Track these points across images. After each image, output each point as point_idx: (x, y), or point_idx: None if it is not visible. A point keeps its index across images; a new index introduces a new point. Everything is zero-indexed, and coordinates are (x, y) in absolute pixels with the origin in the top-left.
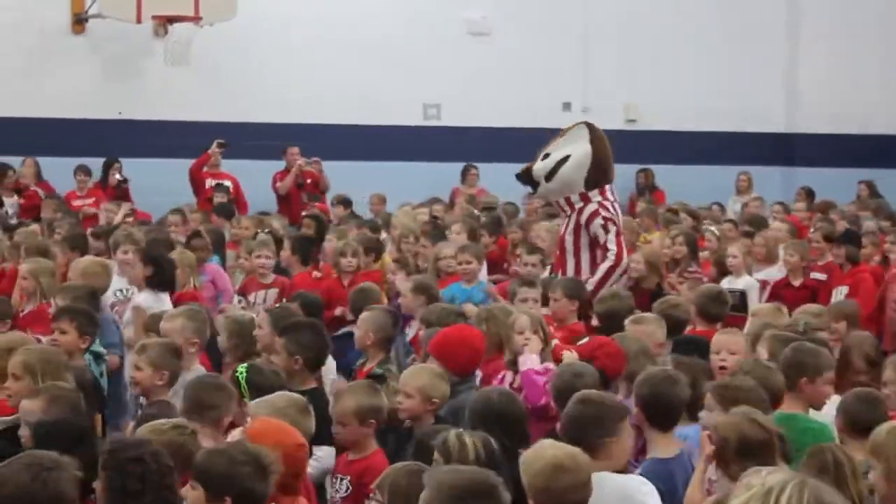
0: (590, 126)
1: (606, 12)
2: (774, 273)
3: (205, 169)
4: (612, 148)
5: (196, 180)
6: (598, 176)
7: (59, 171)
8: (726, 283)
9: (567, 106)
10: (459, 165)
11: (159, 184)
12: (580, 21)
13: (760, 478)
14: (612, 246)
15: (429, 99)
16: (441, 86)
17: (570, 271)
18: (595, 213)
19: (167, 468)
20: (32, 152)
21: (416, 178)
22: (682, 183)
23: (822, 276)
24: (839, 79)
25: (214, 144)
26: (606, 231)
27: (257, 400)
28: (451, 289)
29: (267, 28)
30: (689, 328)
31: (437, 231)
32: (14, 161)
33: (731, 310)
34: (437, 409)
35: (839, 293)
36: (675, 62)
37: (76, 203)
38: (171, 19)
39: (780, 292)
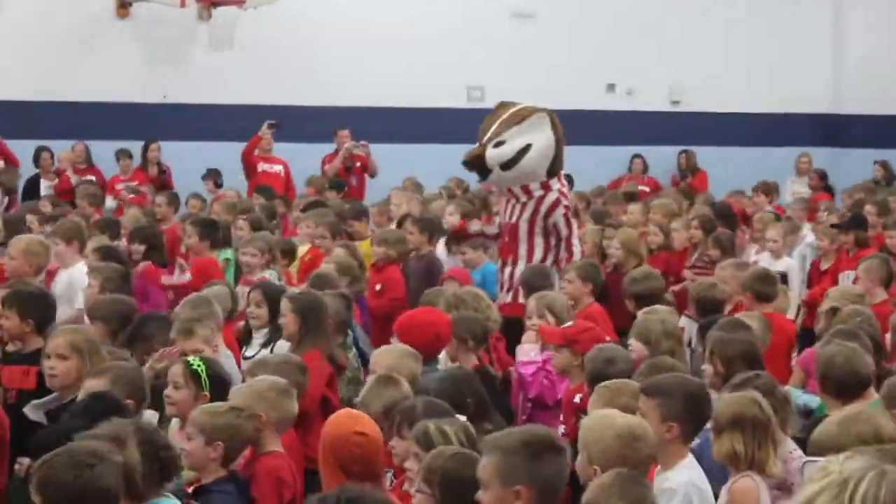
0: (550, 114)
1: None
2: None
3: (256, 152)
4: (657, 129)
5: (247, 163)
6: (557, 164)
7: (105, 155)
8: (765, 266)
9: (611, 87)
10: None
11: (202, 167)
12: (624, 2)
13: (838, 463)
14: (575, 243)
15: (473, 81)
16: (485, 68)
17: (522, 257)
18: (556, 203)
19: (155, 431)
20: (78, 136)
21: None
22: (724, 165)
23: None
24: (886, 58)
25: (265, 126)
26: (569, 226)
27: (237, 386)
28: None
29: (310, 11)
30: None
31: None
32: (61, 145)
33: None
34: None
35: (846, 278)
36: (719, 42)
37: (119, 187)
38: (215, 3)
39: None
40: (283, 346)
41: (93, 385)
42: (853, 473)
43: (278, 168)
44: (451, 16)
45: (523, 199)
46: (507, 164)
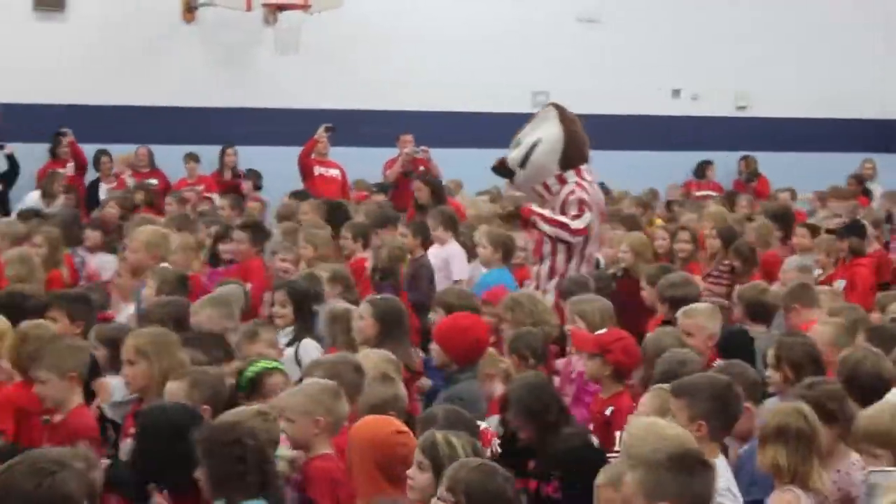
0: (558, 107)
1: None
2: None
3: (312, 156)
4: (720, 134)
5: (304, 167)
6: (572, 156)
7: (171, 159)
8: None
9: (676, 93)
10: None
11: (268, 171)
12: (690, 7)
13: None
14: (580, 223)
15: (538, 86)
16: (550, 73)
17: (547, 255)
18: (570, 194)
19: (263, 443)
20: (144, 140)
21: None
22: (788, 170)
23: None
24: None
25: (321, 129)
26: (581, 211)
27: (288, 391)
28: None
29: (375, 16)
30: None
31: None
32: (125, 149)
33: None
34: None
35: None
36: (785, 48)
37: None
38: (281, 7)
39: None
40: (307, 345)
41: (172, 389)
42: None
43: (335, 172)
44: (516, 20)
45: (547, 197)
46: (522, 162)
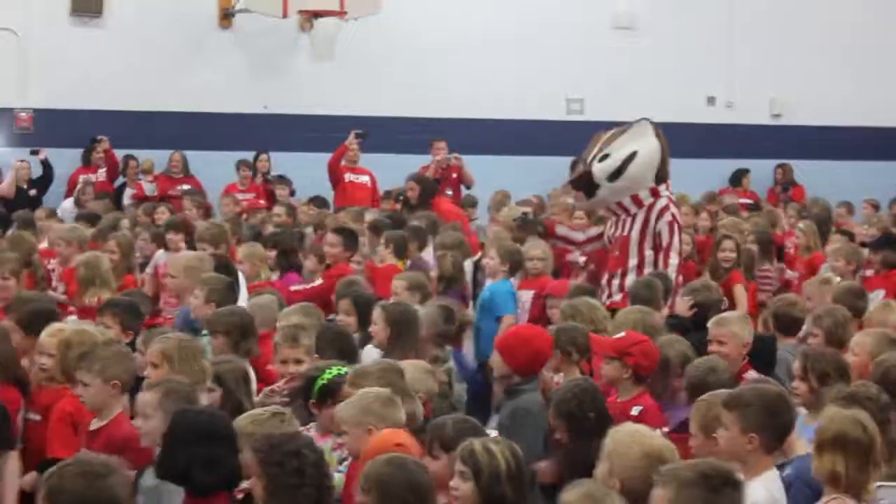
0: (651, 122)
1: (752, 5)
2: None
3: (343, 162)
4: (757, 143)
5: (334, 173)
6: (664, 171)
7: (209, 165)
8: None
9: (711, 100)
10: None
11: (304, 177)
12: (725, 14)
13: None
14: (674, 256)
15: (572, 94)
16: (584, 80)
17: (632, 269)
18: (665, 209)
19: (321, 457)
20: (180, 146)
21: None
22: (825, 178)
23: None
24: None
25: (352, 135)
26: (671, 235)
27: (345, 402)
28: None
29: (410, 23)
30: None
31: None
32: (160, 154)
33: None
34: None
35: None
36: (820, 56)
37: (238, 197)
38: (317, 14)
39: None
40: (370, 352)
41: (145, 399)
42: None
43: (365, 179)
44: (552, 26)
45: (634, 210)
46: (615, 174)
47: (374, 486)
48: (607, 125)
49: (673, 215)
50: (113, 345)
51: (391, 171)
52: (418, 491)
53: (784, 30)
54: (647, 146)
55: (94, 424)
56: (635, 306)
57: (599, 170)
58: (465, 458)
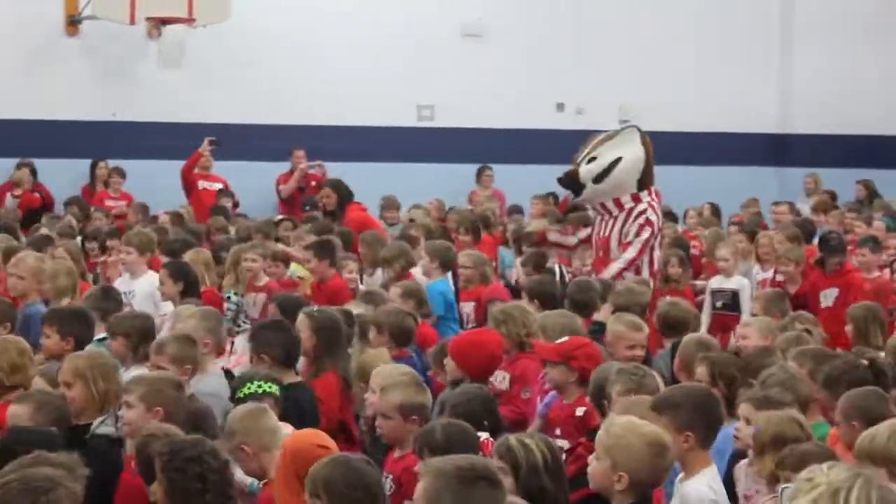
0: (639, 130)
1: (599, 12)
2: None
3: (196, 170)
4: None
5: (187, 181)
6: (647, 177)
7: (54, 173)
8: (717, 284)
9: (560, 107)
10: (457, 167)
11: (153, 185)
12: (573, 22)
13: (823, 474)
14: (633, 252)
15: (423, 100)
16: (435, 87)
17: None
18: (642, 213)
19: (225, 464)
20: (26, 154)
21: (424, 178)
22: (674, 183)
23: None
24: (835, 78)
25: (205, 143)
26: (640, 232)
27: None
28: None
29: (260, 30)
30: None
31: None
32: (8, 163)
33: (723, 309)
34: None
35: (827, 297)
36: (669, 61)
37: (108, 203)
38: (165, 21)
39: None
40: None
41: (17, 412)
42: (842, 483)
43: (218, 186)
44: (403, 34)
45: (615, 212)
46: (600, 177)
47: (322, 489)
48: (457, 132)
49: (647, 219)
50: None
51: (247, 178)
52: (368, 488)
53: (632, 36)
54: (631, 153)
55: None
56: (558, 310)
57: (586, 171)
58: (501, 454)
